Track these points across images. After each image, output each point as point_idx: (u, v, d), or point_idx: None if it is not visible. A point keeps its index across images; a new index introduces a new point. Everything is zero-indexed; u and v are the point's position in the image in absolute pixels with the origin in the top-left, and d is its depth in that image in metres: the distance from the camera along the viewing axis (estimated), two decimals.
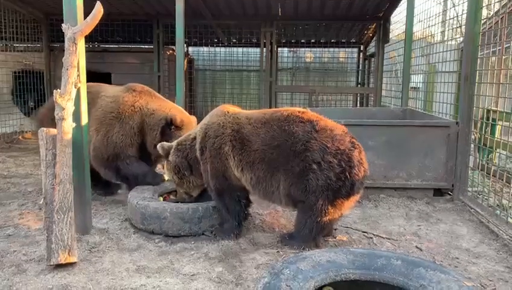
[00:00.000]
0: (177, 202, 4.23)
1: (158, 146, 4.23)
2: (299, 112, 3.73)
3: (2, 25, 9.01)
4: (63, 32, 3.51)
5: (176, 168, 4.10)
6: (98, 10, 3.49)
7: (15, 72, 9.96)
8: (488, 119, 5.31)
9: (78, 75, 3.53)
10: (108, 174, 4.84)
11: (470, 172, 5.23)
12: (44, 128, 3.39)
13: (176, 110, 4.90)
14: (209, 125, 3.91)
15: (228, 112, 3.94)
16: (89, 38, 10.35)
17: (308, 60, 12.61)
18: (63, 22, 3.59)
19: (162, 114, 4.74)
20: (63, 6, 3.67)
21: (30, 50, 10.39)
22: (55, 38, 10.49)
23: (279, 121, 3.67)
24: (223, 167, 3.79)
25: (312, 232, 3.57)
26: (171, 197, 4.68)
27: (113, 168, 4.74)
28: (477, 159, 5.50)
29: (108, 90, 5.17)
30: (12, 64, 9.82)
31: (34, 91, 10.19)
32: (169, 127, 4.69)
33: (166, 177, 4.62)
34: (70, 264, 3.26)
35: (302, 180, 3.49)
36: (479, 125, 5.37)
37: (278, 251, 3.62)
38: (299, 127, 3.58)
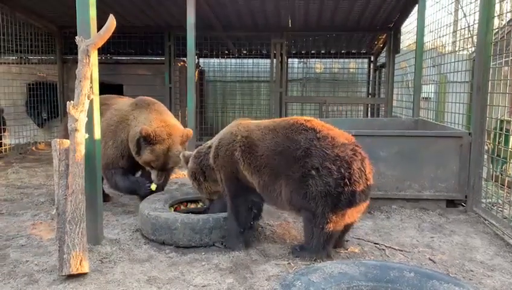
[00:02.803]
0: (188, 213, 4.26)
1: (180, 155, 4.46)
2: (304, 120, 3.81)
3: (17, 38, 9.20)
4: (76, 45, 3.57)
5: (192, 174, 4.24)
6: (111, 23, 3.54)
7: (29, 84, 10.15)
8: (501, 129, 5.25)
9: (91, 87, 3.57)
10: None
11: (483, 183, 5.16)
12: (58, 139, 3.43)
13: (157, 124, 4.72)
14: (223, 135, 4.08)
15: (241, 123, 4.08)
16: (101, 50, 10.52)
17: (318, 70, 12.63)
18: (76, 35, 3.65)
19: (140, 127, 4.68)
20: (76, 20, 3.73)
21: (44, 62, 10.59)
22: (69, 51, 10.70)
23: (285, 129, 3.76)
24: (234, 171, 3.88)
25: (321, 241, 3.55)
26: (182, 207, 4.70)
27: (105, 176, 4.92)
28: (491, 170, 5.43)
29: (119, 103, 5.25)
30: (26, 76, 10.00)
31: (47, 103, 10.40)
32: (141, 140, 4.64)
33: (153, 187, 4.84)
34: (82, 275, 3.27)
35: (302, 186, 3.52)
36: (492, 135, 5.31)
37: (289, 263, 3.60)
38: (301, 134, 3.65)
